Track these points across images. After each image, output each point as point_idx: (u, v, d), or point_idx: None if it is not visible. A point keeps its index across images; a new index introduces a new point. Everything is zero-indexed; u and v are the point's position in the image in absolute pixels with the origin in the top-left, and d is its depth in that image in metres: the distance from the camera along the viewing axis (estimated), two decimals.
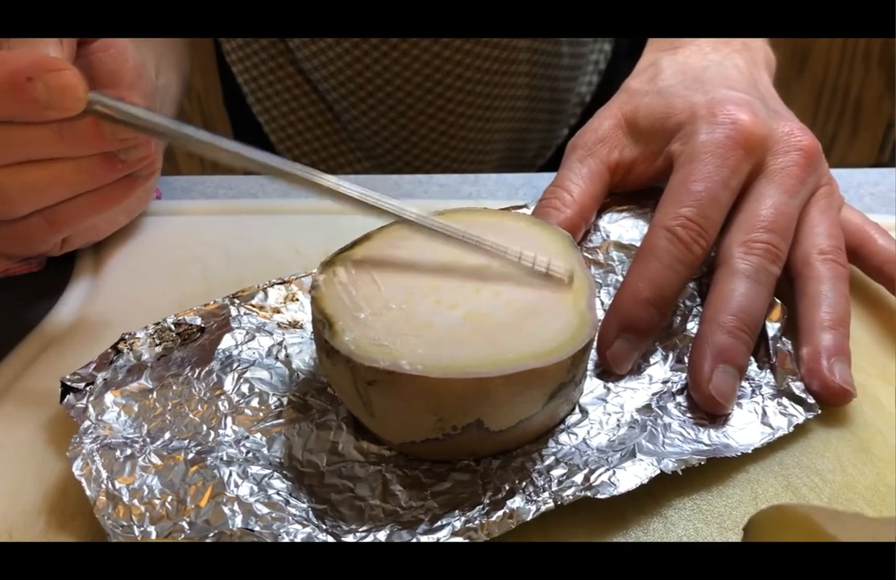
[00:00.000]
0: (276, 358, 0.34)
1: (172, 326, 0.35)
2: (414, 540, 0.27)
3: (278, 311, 0.36)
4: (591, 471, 0.29)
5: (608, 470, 0.29)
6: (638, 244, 0.35)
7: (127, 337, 0.34)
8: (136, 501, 0.28)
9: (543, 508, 0.28)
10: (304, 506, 0.29)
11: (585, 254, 0.39)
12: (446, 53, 0.61)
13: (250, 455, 0.30)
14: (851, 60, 1.46)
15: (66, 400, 0.32)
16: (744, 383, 0.33)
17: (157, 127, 0.31)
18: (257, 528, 0.28)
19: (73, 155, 0.33)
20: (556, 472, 0.29)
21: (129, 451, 0.30)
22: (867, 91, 1.49)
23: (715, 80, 0.39)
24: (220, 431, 0.31)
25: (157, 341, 0.34)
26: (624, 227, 0.39)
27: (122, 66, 0.35)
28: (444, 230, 0.32)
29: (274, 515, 0.28)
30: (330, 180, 0.31)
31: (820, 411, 0.32)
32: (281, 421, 0.32)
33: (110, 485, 0.28)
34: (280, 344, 0.35)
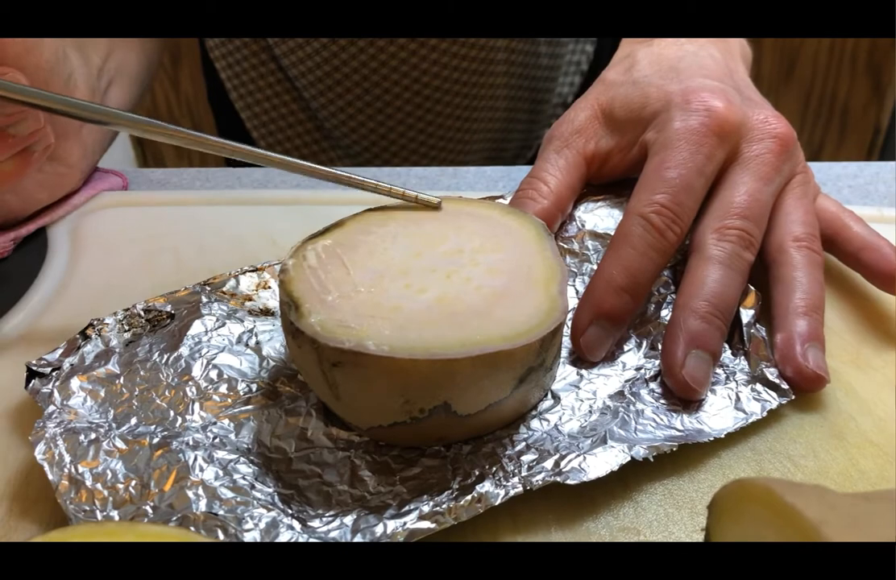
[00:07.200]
0: (247, 345, 0.34)
1: (142, 313, 0.34)
2: (380, 524, 0.27)
3: (249, 299, 0.36)
4: (562, 457, 0.29)
5: (578, 455, 0.29)
6: (613, 233, 0.35)
7: (95, 323, 0.33)
8: (99, 485, 0.28)
9: (512, 493, 0.28)
10: (270, 490, 0.28)
11: (560, 243, 0.38)
12: (423, 52, 0.60)
13: (217, 440, 0.30)
14: (838, 66, 1.47)
15: (31, 385, 0.31)
16: (717, 370, 0.33)
17: (38, 97, 0.31)
18: (221, 512, 0.27)
19: None
20: (527, 458, 0.29)
21: (93, 436, 0.29)
22: (854, 97, 1.50)
23: (690, 70, 0.39)
24: (188, 417, 0.31)
25: (126, 327, 0.34)
26: (599, 217, 0.39)
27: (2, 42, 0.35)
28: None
29: (239, 499, 0.28)
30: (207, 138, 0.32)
31: (793, 397, 0.32)
32: (249, 407, 0.31)
33: (73, 470, 0.28)
34: (251, 331, 0.34)
